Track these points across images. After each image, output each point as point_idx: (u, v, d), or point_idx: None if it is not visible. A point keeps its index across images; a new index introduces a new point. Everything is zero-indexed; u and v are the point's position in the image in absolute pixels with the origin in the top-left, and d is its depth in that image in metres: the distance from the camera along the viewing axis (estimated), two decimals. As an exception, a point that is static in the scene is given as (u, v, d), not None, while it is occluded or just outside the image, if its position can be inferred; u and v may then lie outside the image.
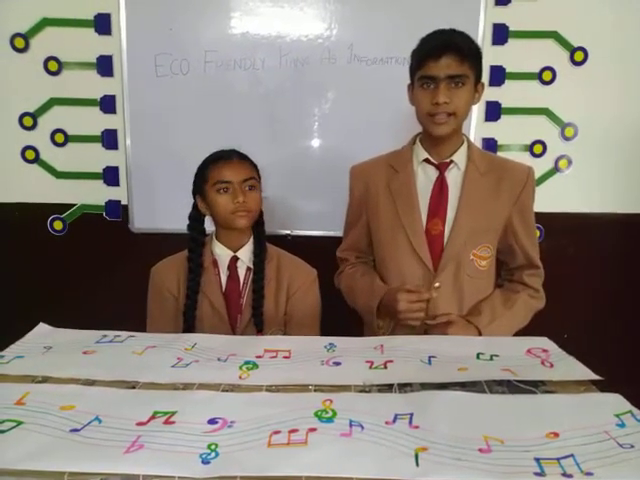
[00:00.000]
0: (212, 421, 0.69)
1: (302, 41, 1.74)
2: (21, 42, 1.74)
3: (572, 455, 0.61)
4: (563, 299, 1.89)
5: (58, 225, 1.86)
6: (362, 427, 0.67)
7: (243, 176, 1.26)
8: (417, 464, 0.59)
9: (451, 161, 1.26)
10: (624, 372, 1.65)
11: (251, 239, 1.35)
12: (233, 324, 1.31)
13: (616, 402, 0.74)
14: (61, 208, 1.86)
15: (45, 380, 0.81)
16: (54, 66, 1.76)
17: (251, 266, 1.33)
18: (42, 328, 1.02)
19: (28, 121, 1.80)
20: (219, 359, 0.90)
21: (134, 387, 0.79)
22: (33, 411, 0.71)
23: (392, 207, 1.29)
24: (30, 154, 1.82)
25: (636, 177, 1.85)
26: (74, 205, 1.87)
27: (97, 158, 1.84)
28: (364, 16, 1.72)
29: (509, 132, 1.82)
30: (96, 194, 1.86)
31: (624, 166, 1.85)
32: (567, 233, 1.89)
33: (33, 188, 1.85)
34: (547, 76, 1.77)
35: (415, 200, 1.27)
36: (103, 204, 1.87)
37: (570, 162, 1.84)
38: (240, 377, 0.83)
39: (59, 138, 1.82)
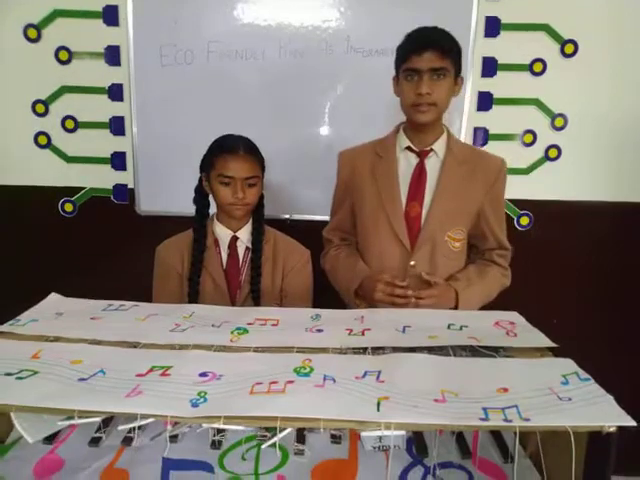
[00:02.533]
0: (203, 374, 0.78)
1: (301, 32, 1.80)
2: (34, 33, 1.82)
3: (516, 406, 0.70)
4: (552, 285, 1.97)
5: (68, 207, 1.96)
6: (334, 380, 0.76)
7: (246, 174, 1.33)
8: (378, 410, 0.68)
9: (431, 149, 1.35)
10: (611, 360, 1.73)
11: (250, 221, 1.44)
12: (233, 299, 1.41)
13: (566, 365, 0.82)
14: (71, 191, 1.95)
15: (56, 340, 0.91)
16: (64, 55, 1.84)
17: (250, 246, 1.43)
18: (54, 297, 1.12)
19: (40, 108, 1.88)
20: (213, 325, 0.99)
21: (135, 346, 0.89)
22: (46, 364, 0.80)
23: (375, 190, 1.39)
24: (42, 139, 1.91)
25: (624, 166, 1.91)
26: (83, 188, 1.95)
27: (105, 144, 1.92)
28: (360, 9, 1.78)
29: (500, 122, 1.87)
30: (104, 178, 1.94)
31: (613, 156, 1.89)
32: (557, 220, 1.94)
33: (45, 172, 1.93)
34: (538, 67, 1.82)
35: (396, 184, 1.36)
36: (111, 187, 1.95)
37: (560, 151, 1.89)
38: (231, 340, 0.92)
39: (69, 124, 1.90)
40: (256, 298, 1.40)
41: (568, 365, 0.82)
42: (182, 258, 1.42)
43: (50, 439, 0.90)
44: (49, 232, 1.97)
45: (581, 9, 1.78)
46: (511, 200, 1.92)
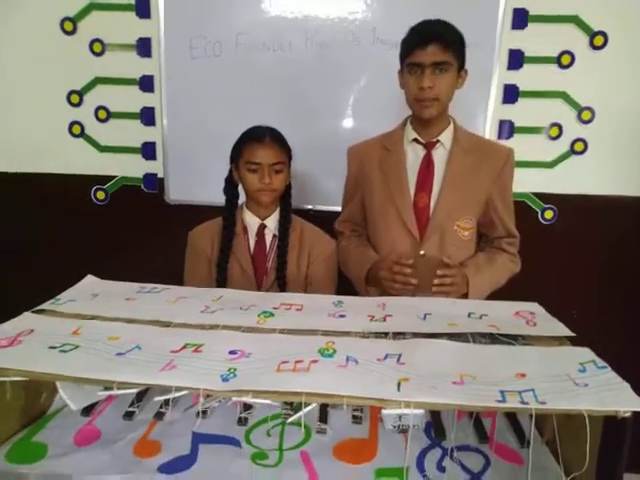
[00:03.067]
0: (232, 352, 0.83)
1: (327, 24, 1.82)
2: (70, 25, 1.88)
3: (533, 390, 0.72)
4: (574, 278, 1.96)
5: (101, 195, 2.03)
6: (357, 362, 0.80)
7: (272, 160, 1.38)
8: (398, 390, 0.71)
9: (437, 140, 1.38)
10: (630, 353, 1.73)
11: (278, 209, 1.49)
12: (259, 284, 1.46)
13: (583, 353, 0.84)
14: (103, 179, 2.02)
15: (94, 318, 0.96)
16: (98, 47, 1.90)
17: (276, 233, 1.47)
18: (90, 279, 1.18)
19: (75, 98, 1.95)
20: (241, 308, 1.04)
21: (168, 326, 0.94)
22: (86, 339, 0.86)
23: (384, 183, 1.42)
24: (76, 129, 1.98)
25: (651, 161, 1.89)
26: (115, 177, 2.02)
27: (136, 134, 1.98)
28: (386, 1, 1.80)
29: (526, 115, 1.86)
30: (135, 167, 2.00)
31: (639, 150, 1.88)
32: (581, 214, 1.93)
33: (79, 160, 2.00)
34: (566, 60, 1.81)
35: (404, 176, 1.40)
36: (141, 177, 2.01)
37: (586, 145, 1.88)
38: (258, 322, 0.96)
39: (102, 114, 1.96)
40: (282, 284, 1.45)
41: (586, 354, 0.83)
42: (212, 244, 1.48)
43: (87, 411, 0.96)
44: (82, 218, 2.04)
45: (611, 0, 1.76)
46: (535, 194, 1.92)
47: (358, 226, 1.55)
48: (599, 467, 0.71)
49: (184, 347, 0.83)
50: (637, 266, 1.96)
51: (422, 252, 1.39)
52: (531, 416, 0.72)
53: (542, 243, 1.86)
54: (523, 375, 0.76)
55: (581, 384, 0.73)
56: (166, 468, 0.81)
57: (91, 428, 0.92)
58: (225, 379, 0.73)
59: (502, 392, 0.71)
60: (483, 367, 0.79)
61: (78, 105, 1.96)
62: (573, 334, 0.91)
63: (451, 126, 1.41)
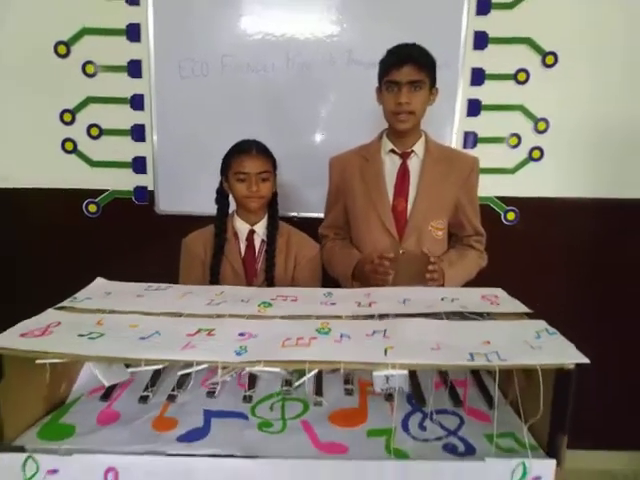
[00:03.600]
0: (241, 334, 0.95)
1: (307, 47, 1.97)
2: (63, 49, 1.98)
3: (496, 352, 0.86)
4: (536, 273, 2.14)
5: (92, 208, 2.12)
6: (349, 337, 0.93)
7: (258, 169, 1.52)
8: (385, 355, 0.85)
9: (412, 151, 1.55)
10: (589, 348, 1.89)
11: (266, 216, 1.62)
12: (249, 285, 1.58)
13: (539, 324, 0.99)
14: (95, 193, 2.11)
15: (112, 312, 1.07)
16: (91, 69, 2.00)
17: (265, 238, 1.60)
18: (100, 281, 1.28)
19: (68, 117, 2.04)
20: (242, 300, 1.16)
21: (180, 316, 1.05)
22: (110, 328, 0.97)
23: (365, 189, 1.58)
24: (69, 145, 2.07)
25: (601, 166, 2.08)
26: (107, 190, 2.11)
27: (127, 149, 2.08)
28: (361, 25, 1.96)
29: (488, 126, 2.05)
30: (126, 181, 2.10)
31: (590, 156, 2.07)
32: (540, 215, 2.12)
33: (71, 175, 2.09)
34: (522, 77, 2.00)
35: (383, 183, 1.56)
36: (132, 189, 2.11)
37: (542, 152, 2.07)
38: (259, 311, 1.09)
39: (94, 132, 2.06)
40: (270, 285, 1.57)
41: (540, 324, 0.99)
42: (205, 248, 1.60)
43: (106, 397, 1.06)
44: (74, 231, 2.12)
45: (560, 24, 1.97)
46: (498, 197, 2.10)
47: (341, 230, 1.70)
48: (552, 413, 0.86)
49: (198, 331, 0.95)
50: (592, 261, 2.16)
51: (402, 251, 1.54)
52: (495, 374, 0.86)
53: (505, 242, 2.03)
54: (488, 342, 0.91)
55: (536, 346, 0.88)
56: (184, 438, 0.93)
57: (111, 411, 1.03)
58: (239, 353, 0.86)
59: (471, 354, 0.85)
60: (455, 337, 0.93)
61: (71, 123, 2.05)
62: (531, 311, 1.06)
63: (423, 138, 1.58)
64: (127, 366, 1.00)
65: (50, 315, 1.03)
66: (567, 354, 0.85)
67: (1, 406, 0.89)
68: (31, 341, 0.89)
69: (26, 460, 0.86)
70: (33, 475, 0.86)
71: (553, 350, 0.87)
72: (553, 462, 0.86)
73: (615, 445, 2.34)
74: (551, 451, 0.88)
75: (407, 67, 1.41)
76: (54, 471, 0.86)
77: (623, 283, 2.16)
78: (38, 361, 0.87)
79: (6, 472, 0.87)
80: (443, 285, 1.46)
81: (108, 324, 0.99)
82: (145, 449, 0.89)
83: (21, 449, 0.88)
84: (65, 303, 1.11)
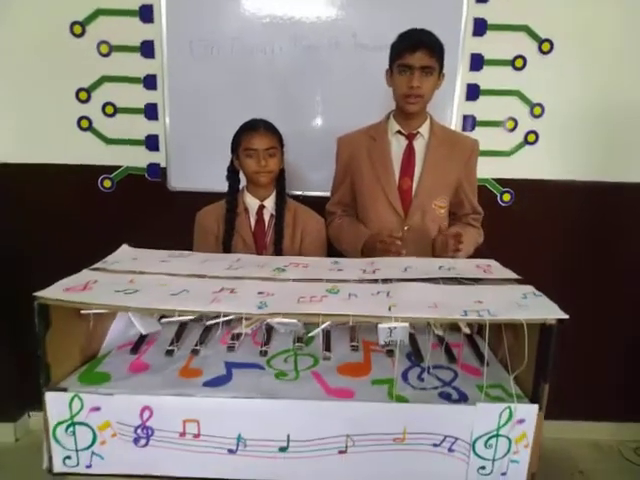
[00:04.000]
0: (260, 293, 1.06)
1: (312, 30, 2.05)
2: (78, 29, 2.05)
3: (487, 310, 0.98)
4: (530, 251, 2.25)
5: (107, 184, 2.21)
6: (357, 296, 1.04)
7: (266, 145, 1.62)
8: (389, 309, 0.96)
9: (417, 132, 1.64)
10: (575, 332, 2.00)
11: (274, 192, 1.72)
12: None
13: (526, 288, 1.10)
14: (110, 169, 2.20)
15: (141, 273, 1.17)
16: (105, 49, 2.08)
17: (274, 213, 1.71)
18: (125, 248, 1.38)
19: (83, 95, 2.13)
20: (258, 266, 1.27)
21: (203, 277, 1.16)
22: (142, 285, 1.07)
23: (372, 168, 1.67)
24: (84, 123, 2.15)
25: (594, 150, 2.19)
26: (121, 167, 2.20)
27: (140, 127, 2.16)
28: (365, 10, 2.04)
29: (486, 110, 2.14)
30: (139, 158, 2.19)
31: (583, 140, 2.18)
32: (535, 197, 2.23)
33: (87, 152, 2.18)
34: (519, 63, 2.09)
35: (389, 163, 1.65)
36: (145, 166, 2.20)
37: (537, 136, 2.18)
38: (274, 275, 1.20)
39: (109, 110, 2.14)
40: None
41: (528, 288, 1.10)
42: (217, 222, 1.70)
43: (135, 351, 1.18)
44: (90, 205, 2.22)
45: (556, 13, 2.05)
46: (494, 179, 2.21)
47: (348, 207, 1.80)
48: (536, 365, 0.98)
49: (222, 289, 1.06)
50: (582, 241, 2.28)
51: (406, 227, 1.64)
52: (485, 331, 0.98)
53: (501, 222, 2.14)
54: (480, 302, 1.02)
55: (523, 305, 1.00)
56: (209, 383, 1.04)
57: (140, 362, 1.14)
58: (260, 307, 0.97)
59: (465, 311, 0.97)
60: (451, 298, 1.04)
61: (86, 101, 2.13)
62: (521, 277, 1.18)
63: (428, 120, 1.67)
64: (160, 319, 1.12)
65: (85, 275, 1.13)
66: (550, 311, 0.96)
67: (48, 352, 1.00)
68: (75, 295, 0.99)
69: (72, 398, 0.98)
70: (78, 412, 0.98)
71: (537, 308, 0.98)
72: (535, 407, 0.99)
73: (600, 416, 2.48)
74: (534, 397, 1.00)
75: (420, 52, 1.48)
76: (97, 408, 0.98)
77: (611, 261, 2.29)
78: (83, 311, 0.98)
79: (55, 409, 0.99)
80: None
81: (140, 282, 1.09)
82: (176, 392, 1.00)
83: (67, 390, 1.00)
84: (97, 265, 1.21)
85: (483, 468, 1.00)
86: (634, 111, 2.14)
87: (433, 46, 1.50)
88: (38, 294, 0.97)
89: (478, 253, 1.74)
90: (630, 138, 2.18)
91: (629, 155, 2.20)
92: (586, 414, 2.47)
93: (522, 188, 2.22)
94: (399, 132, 1.66)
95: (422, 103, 1.57)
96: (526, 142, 2.19)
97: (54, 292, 1.00)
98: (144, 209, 2.21)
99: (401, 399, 1.01)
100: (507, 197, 2.23)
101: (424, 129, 1.66)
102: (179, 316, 0.96)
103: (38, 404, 1.00)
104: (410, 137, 1.65)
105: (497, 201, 2.23)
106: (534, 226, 2.26)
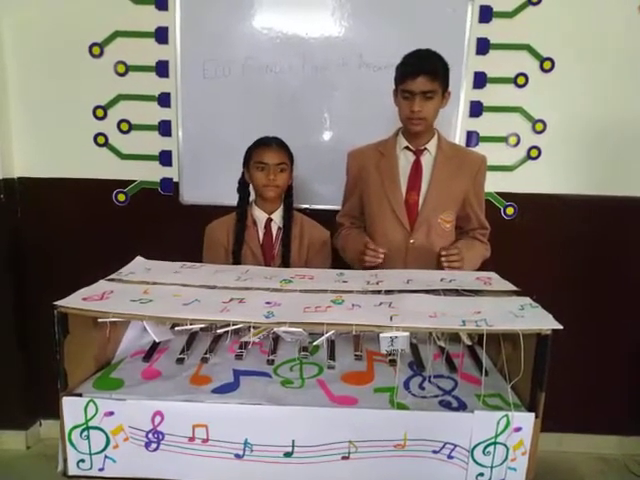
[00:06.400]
0: (268, 302, 1.11)
1: (321, 50, 2.13)
2: (97, 50, 2.14)
3: (485, 319, 1.02)
4: (533, 264, 2.28)
5: (121, 197, 2.28)
6: (360, 306, 1.09)
7: (277, 160, 1.69)
8: (391, 319, 1.01)
9: (425, 148, 1.69)
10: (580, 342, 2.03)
11: (282, 206, 1.78)
12: (268, 268, 1.74)
13: (524, 299, 1.14)
14: (124, 183, 2.27)
15: (155, 284, 1.23)
16: (122, 68, 2.17)
17: (281, 226, 1.76)
18: (139, 259, 1.44)
19: (100, 112, 2.21)
20: (265, 277, 1.32)
21: (214, 288, 1.21)
22: (156, 296, 1.13)
23: (380, 182, 1.72)
24: (101, 139, 2.23)
25: (595, 164, 2.23)
26: (135, 181, 2.27)
27: (154, 143, 2.24)
28: (371, 31, 2.11)
29: (489, 126, 2.19)
30: (153, 172, 2.26)
31: (584, 155, 2.22)
32: (538, 210, 2.26)
33: (102, 167, 2.25)
34: (521, 80, 2.15)
35: (397, 177, 1.70)
36: (158, 181, 2.27)
37: (540, 152, 2.22)
38: (281, 286, 1.25)
39: (124, 127, 2.22)
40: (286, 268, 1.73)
41: (525, 300, 1.14)
42: (227, 235, 1.76)
43: (147, 359, 1.23)
44: (104, 218, 2.29)
45: (557, 32, 2.11)
46: (499, 193, 2.25)
47: (356, 219, 1.85)
48: (533, 374, 1.02)
49: (231, 300, 1.12)
50: (585, 253, 2.30)
51: (412, 241, 1.69)
52: (483, 337, 1.01)
53: (505, 235, 2.16)
54: (479, 312, 1.06)
55: (519, 316, 1.04)
56: (218, 390, 1.09)
57: (152, 369, 1.19)
58: (267, 316, 1.02)
59: (463, 320, 1.01)
60: (450, 308, 1.09)
61: (103, 118, 2.21)
62: (519, 289, 1.22)
63: (436, 136, 1.72)
64: (172, 327, 1.17)
65: (103, 285, 1.19)
66: (545, 322, 1.00)
67: (65, 359, 1.06)
68: (92, 304, 1.05)
69: (88, 403, 1.03)
70: (93, 416, 1.03)
71: (533, 319, 1.02)
72: (532, 415, 1.02)
73: (606, 429, 2.48)
74: (531, 406, 1.04)
75: (421, 78, 1.54)
76: (110, 413, 1.03)
77: (613, 274, 2.31)
78: (100, 320, 1.04)
79: (71, 414, 1.04)
80: (462, 268, 1.58)
81: (154, 293, 1.15)
82: (186, 398, 1.05)
83: (82, 395, 1.05)
84: (113, 276, 1.27)
85: (481, 475, 1.03)
86: (634, 126, 2.18)
87: (435, 70, 1.55)
88: (58, 303, 1.03)
89: (482, 265, 1.79)
90: (630, 153, 2.21)
91: (630, 169, 2.23)
92: (592, 427, 2.47)
93: (525, 202, 2.26)
94: (407, 148, 1.71)
95: (426, 124, 1.62)
96: (529, 157, 2.23)
97: (73, 301, 1.06)
98: (157, 222, 2.27)
99: (402, 407, 1.05)
100: (510, 211, 2.27)
101: (431, 145, 1.71)
102: (190, 325, 1.01)
103: (49, 412, 1.05)
104: (417, 153, 1.70)
105: (501, 215, 2.27)
106: (537, 239, 2.29)
